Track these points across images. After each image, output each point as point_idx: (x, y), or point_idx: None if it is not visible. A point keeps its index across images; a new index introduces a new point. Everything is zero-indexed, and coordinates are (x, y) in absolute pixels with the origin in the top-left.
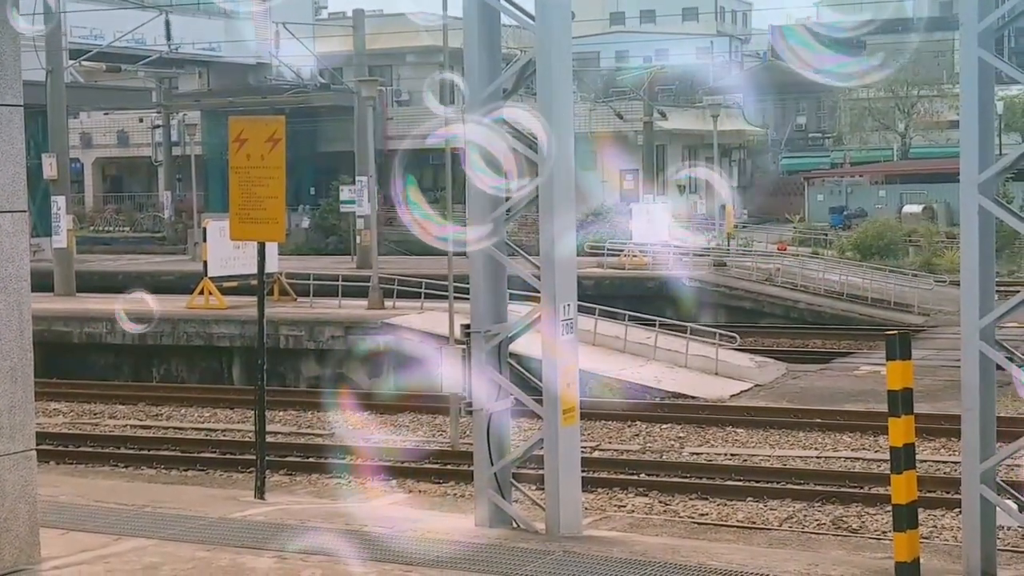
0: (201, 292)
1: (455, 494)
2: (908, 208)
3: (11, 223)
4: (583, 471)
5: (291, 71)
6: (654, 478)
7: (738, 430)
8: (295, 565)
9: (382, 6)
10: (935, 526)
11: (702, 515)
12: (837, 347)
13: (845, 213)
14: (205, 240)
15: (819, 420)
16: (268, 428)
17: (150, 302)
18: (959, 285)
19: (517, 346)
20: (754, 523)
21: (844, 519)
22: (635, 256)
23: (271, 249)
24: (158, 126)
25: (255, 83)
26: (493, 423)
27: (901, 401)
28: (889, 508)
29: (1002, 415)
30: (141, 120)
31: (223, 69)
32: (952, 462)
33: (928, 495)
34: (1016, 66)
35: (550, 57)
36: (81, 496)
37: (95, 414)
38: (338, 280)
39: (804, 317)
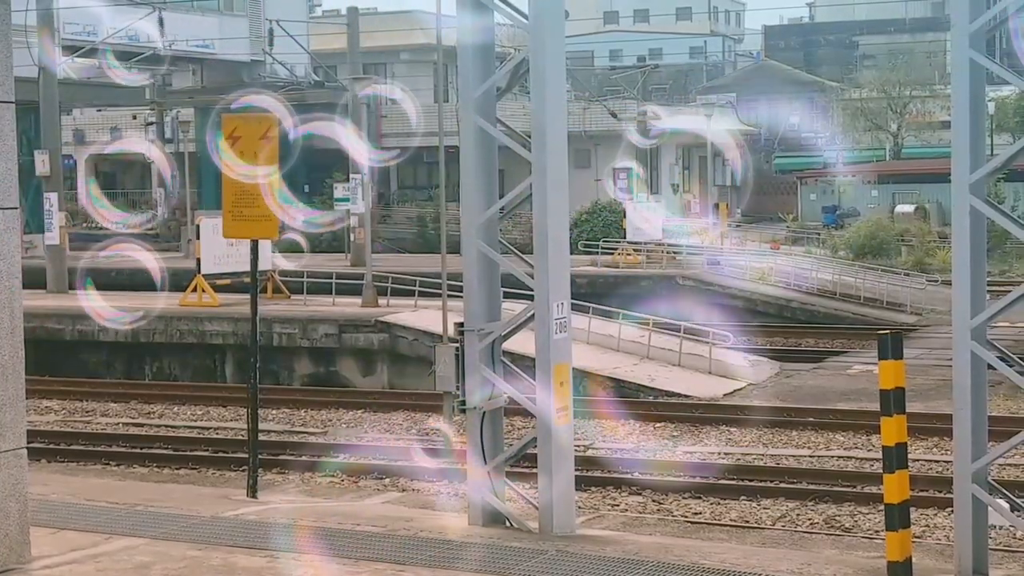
0: (194, 289)
1: (448, 493)
2: (900, 208)
3: (3, 220)
4: (576, 470)
5: (285, 68)
6: (647, 477)
7: (731, 429)
8: (287, 564)
9: (376, 4)
10: (927, 525)
11: (695, 514)
12: (830, 346)
13: (838, 212)
14: (198, 237)
15: (812, 419)
16: (261, 426)
17: None
18: (951, 285)
19: (511, 344)
20: (747, 522)
21: (837, 518)
22: (629, 255)
23: (264, 246)
24: (151, 123)
25: (249, 80)
26: (486, 421)
27: (893, 400)
28: (881, 507)
29: (994, 414)
30: (134, 117)
31: (217, 66)
32: (944, 461)
33: (920, 494)
34: (1007, 67)
35: (544, 56)
36: (72, 495)
37: (87, 412)
38: (332, 278)
39: (797, 316)
